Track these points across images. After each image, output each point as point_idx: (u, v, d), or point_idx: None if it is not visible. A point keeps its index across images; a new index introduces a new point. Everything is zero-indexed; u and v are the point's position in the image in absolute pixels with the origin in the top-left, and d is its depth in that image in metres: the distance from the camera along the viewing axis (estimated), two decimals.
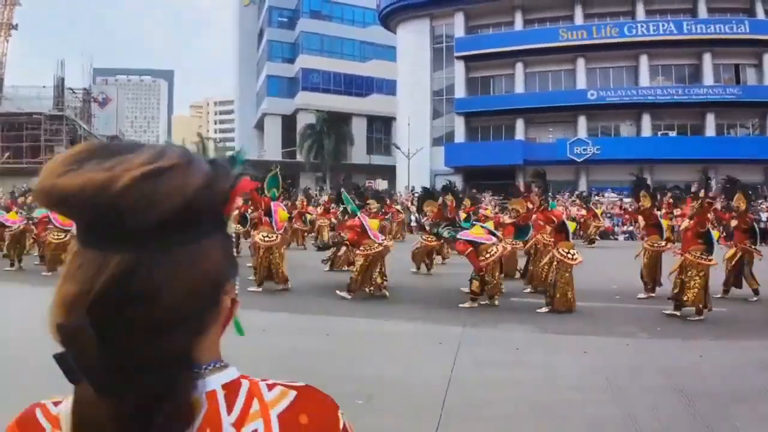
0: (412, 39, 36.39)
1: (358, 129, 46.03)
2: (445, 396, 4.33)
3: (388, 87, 47.81)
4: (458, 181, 32.53)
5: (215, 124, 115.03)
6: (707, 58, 31.68)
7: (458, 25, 34.73)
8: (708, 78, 31.62)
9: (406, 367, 5.15)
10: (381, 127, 49.35)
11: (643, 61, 32.19)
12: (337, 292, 8.72)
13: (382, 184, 34.66)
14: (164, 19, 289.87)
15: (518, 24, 33.90)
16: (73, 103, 48.45)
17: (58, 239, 9.84)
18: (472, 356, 5.47)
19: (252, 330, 4.30)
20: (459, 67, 34.45)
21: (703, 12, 31.66)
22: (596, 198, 26.25)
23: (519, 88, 33.73)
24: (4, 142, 43.32)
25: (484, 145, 33.74)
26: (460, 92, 34.48)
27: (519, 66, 33.62)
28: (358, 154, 45.39)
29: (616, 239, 22.38)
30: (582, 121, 32.73)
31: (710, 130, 31.69)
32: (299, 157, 44.44)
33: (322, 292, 9.13)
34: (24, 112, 44.00)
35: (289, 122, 47.66)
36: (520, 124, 33.69)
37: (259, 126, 53.50)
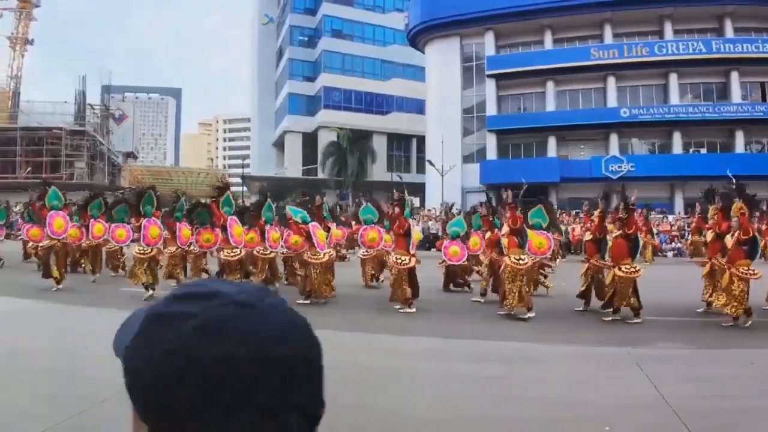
0: (442, 58, 36.60)
1: (379, 147, 46.13)
2: (679, 418, 4.21)
3: (408, 105, 48.16)
4: (492, 198, 32.51)
5: (224, 141, 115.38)
6: (734, 77, 31.88)
7: (488, 44, 34.97)
8: (735, 96, 31.82)
9: (601, 390, 5.02)
10: (401, 145, 49.48)
11: (673, 79, 32.39)
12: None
13: (414, 201, 34.59)
14: (171, 38, 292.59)
15: (548, 43, 34.19)
16: (91, 118, 48.40)
17: (232, 255, 9.46)
18: (661, 375, 5.37)
19: (409, 356, 4.10)
20: (490, 85, 34.63)
21: (729, 31, 31.95)
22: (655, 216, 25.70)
23: (550, 106, 33.89)
24: (24, 157, 43.14)
25: (520, 163, 33.70)
26: (491, 110, 34.61)
27: (550, 84, 33.82)
28: (379, 171, 45.42)
29: (665, 256, 22.17)
30: (614, 138, 32.80)
31: (739, 147, 31.74)
32: (321, 174, 44.43)
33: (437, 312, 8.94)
34: (44, 127, 43.82)
35: (309, 140, 47.77)
36: (552, 142, 33.74)
37: (278, 144, 53.62)
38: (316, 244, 9.34)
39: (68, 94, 47.22)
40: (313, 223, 9.66)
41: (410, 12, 39.19)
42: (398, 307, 8.86)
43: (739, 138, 31.72)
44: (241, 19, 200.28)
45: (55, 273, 10.30)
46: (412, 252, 9.02)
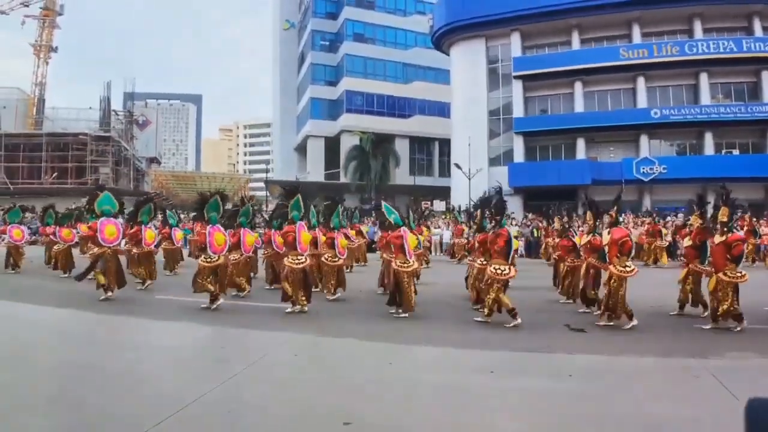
0: (467, 59, 36.35)
1: (401, 150, 46.03)
2: None
3: (430, 108, 47.96)
4: (519, 202, 32.05)
5: (245, 147, 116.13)
6: (765, 76, 31.31)
7: (515, 45, 34.61)
8: (767, 95, 31.12)
9: (688, 406, 4.68)
10: (424, 148, 49.22)
11: (703, 79, 31.82)
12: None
13: (439, 206, 34.33)
14: (192, 46, 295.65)
15: (575, 43, 33.75)
16: (115, 124, 48.86)
17: (296, 263, 8.98)
18: (742, 388, 4.92)
19: (479, 371, 5.25)
20: (517, 86, 34.23)
21: (758, 30, 31.34)
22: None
23: (578, 107, 33.42)
24: (49, 163, 43.68)
25: (549, 165, 33.28)
26: (518, 112, 34.21)
27: (578, 85, 33.35)
28: (402, 175, 45.26)
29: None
30: (644, 140, 32.25)
31: None
32: (343, 179, 44.30)
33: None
34: (69, 133, 44.34)
35: (332, 144, 47.74)
36: (580, 144, 33.27)
37: (300, 148, 53.73)
38: (407, 251, 8.88)
39: (89, 100, 47.51)
40: (404, 227, 9.28)
41: (435, 14, 39.01)
42: (480, 319, 8.33)
43: None
44: (262, 26, 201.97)
45: (102, 280, 9.85)
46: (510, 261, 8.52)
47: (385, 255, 10.39)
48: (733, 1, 30.90)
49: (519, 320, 8.03)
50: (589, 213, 9.40)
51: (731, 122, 30.95)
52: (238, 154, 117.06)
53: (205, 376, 5.36)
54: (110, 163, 45.18)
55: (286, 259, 9.08)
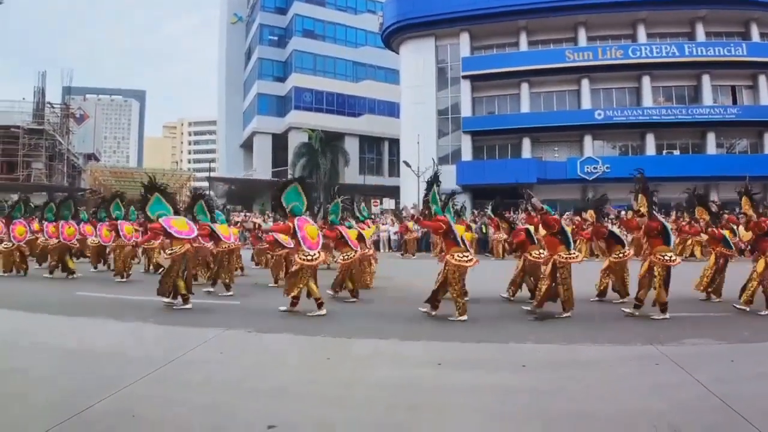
0: (416, 58, 36.15)
1: (351, 149, 45.43)
2: (745, 419, 3.77)
3: (380, 108, 47.63)
4: (467, 200, 32.06)
5: (190, 144, 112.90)
6: (706, 80, 32.39)
7: (463, 45, 34.69)
8: (707, 98, 32.28)
9: (654, 396, 4.41)
10: (374, 148, 48.82)
11: (646, 82, 32.66)
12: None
13: (389, 203, 34.04)
14: (136, 40, 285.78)
15: (523, 45, 34.10)
16: (50, 117, 46.27)
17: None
18: (706, 374, 4.82)
19: (425, 364, 5.03)
20: (465, 86, 34.31)
21: (701, 35, 32.43)
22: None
23: (524, 107, 33.80)
24: None
25: (496, 163, 33.51)
26: (466, 111, 34.31)
27: (524, 86, 33.71)
28: (351, 174, 44.67)
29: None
30: (588, 140, 32.86)
31: (711, 149, 32.17)
32: (291, 176, 43.29)
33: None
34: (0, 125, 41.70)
35: (279, 141, 46.76)
36: (526, 143, 33.65)
37: (246, 145, 52.45)
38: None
39: (26, 96, 44.68)
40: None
41: (385, 11, 38.73)
42: (628, 311, 8.07)
43: (711, 139, 32.20)
44: (212, 25, 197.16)
45: (182, 287, 8.61)
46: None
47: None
48: (677, 6, 31.78)
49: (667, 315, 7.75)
50: (699, 208, 9.87)
51: (672, 124, 31.87)
52: (182, 152, 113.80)
53: (113, 376, 4.69)
54: (44, 158, 42.75)
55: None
